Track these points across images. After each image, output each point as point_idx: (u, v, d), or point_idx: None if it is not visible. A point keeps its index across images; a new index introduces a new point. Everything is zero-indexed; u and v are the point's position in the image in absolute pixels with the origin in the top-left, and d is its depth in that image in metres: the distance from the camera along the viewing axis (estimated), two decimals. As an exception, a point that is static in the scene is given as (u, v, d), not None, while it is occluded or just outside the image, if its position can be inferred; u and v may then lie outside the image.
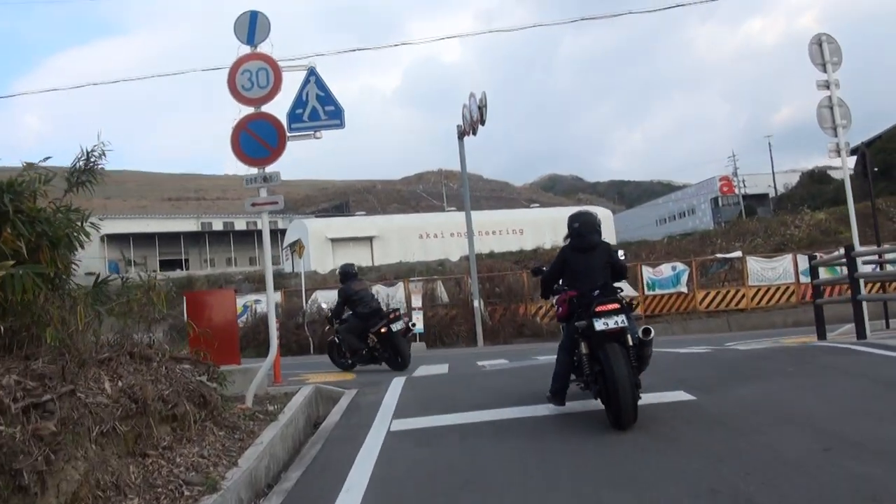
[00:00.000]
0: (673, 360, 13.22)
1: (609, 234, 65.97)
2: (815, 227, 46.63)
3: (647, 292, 32.32)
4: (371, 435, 8.24)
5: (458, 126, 30.77)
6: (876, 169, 31.76)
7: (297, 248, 33.33)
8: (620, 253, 13.17)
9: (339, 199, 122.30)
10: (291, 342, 28.69)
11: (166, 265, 74.53)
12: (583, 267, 8.70)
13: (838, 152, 16.08)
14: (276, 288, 33.78)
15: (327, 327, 19.61)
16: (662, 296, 32.72)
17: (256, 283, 47.63)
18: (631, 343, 7.85)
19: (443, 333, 29.06)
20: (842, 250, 15.77)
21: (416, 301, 29.09)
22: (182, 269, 70.92)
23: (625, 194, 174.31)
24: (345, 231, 65.39)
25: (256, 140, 10.75)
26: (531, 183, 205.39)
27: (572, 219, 9.10)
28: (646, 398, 8.14)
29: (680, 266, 33.35)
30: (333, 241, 62.92)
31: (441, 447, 7.56)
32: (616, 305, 7.93)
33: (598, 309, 7.89)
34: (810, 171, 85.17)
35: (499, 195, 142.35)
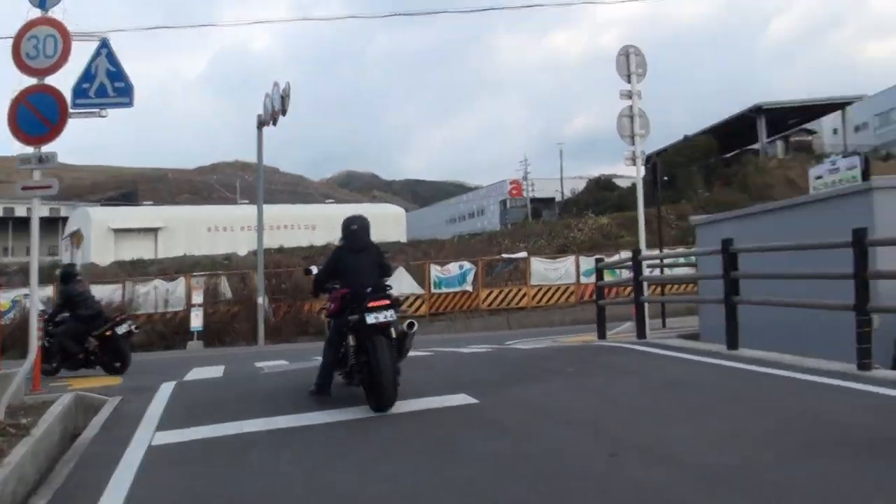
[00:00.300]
0: (456, 361, 13.00)
1: (401, 233, 66.24)
2: (598, 230, 47.86)
3: (433, 290, 32.55)
4: (131, 450, 7.38)
5: (258, 115, 29.69)
6: (666, 178, 33.01)
7: (75, 238, 31.37)
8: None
9: (128, 188, 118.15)
10: None
11: None
12: (356, 266, 9.41)
13: (633, 160, 16.34)
14: (49, 281, 31.47)
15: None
16: (448, 294, 33.04)
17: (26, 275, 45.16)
18: (394, 335, 8.64)
19: (222, 332, 27.81)
20: (629, 253, 16.00)
21: (198, 297, 27.65)
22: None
23: (419, 193, 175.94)
24: (129, 221, 62.60)
25: (35, 115, 9.59)
26: (328, 178, 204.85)
27: (349, 221, 9.72)
28: (427, 402, 8.35)
29: (467, 265, 33.84)
30: (117, 231, 60.01)
31: (207, 463, 6.84)
32: (387, 301, 8.65)
33: (371, 304, 8.55)
34: (597, 178, 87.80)
35: (294, 189, 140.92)
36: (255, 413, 8.67)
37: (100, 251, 55.62)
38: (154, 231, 61.84)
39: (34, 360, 10.11)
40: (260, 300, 28.16)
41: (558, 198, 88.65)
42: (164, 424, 8.50)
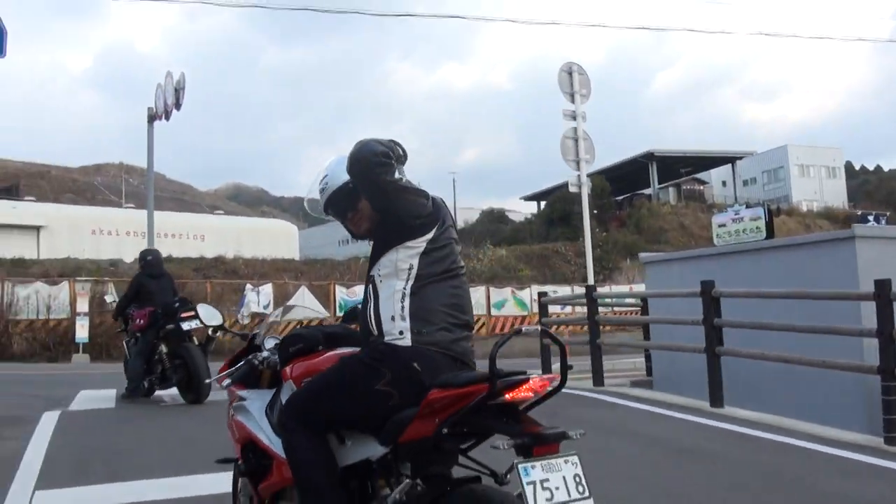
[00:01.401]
0: None
1: (294, 250, 64.86)
2: (497, 262, 47.41)
3: (338, 313, 30.69)
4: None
5: (148, 108, 27.17)
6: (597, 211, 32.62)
7: None
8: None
9: (9, 182, 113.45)
10: None
11: None
12: (158, 288, 12.11)
13: (579, 187, 15.27)
14: None
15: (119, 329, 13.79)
16: None
17: None
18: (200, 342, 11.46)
19: (111, 345, 24.69)
20: (578, 289, 15.08)
21: (83, 305, 25.05)
22: None
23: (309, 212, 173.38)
24: (10, 217, 59.12)
25: None
26: (216, 189, 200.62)
27: (146, 253, 13.03)
28: None
29: None
30: (-4, 227, 56.89)
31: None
32: (193, 313, 11.16)
33: (184, 315, 11.36)
34: (489, 210, 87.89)
35: (181, 198, 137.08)
36: (158, 466, 7.10)
37: (-25, 246, 52.77)
38: (36, 229, 58.70)
39: None
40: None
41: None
42: (45, 478, 6.69)
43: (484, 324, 33.31)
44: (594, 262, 45.48)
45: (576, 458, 3.00)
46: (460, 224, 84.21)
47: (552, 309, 20.73)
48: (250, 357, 4.18)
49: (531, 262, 47.99)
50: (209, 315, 10.28)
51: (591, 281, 14.96)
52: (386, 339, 3.41)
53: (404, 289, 3.43)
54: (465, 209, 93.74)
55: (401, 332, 3.38)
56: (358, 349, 3.60)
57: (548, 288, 35.43)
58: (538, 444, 2.97)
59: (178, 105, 25.61)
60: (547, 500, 2.84)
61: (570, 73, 15.41)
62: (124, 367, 12.59)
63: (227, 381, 4.35)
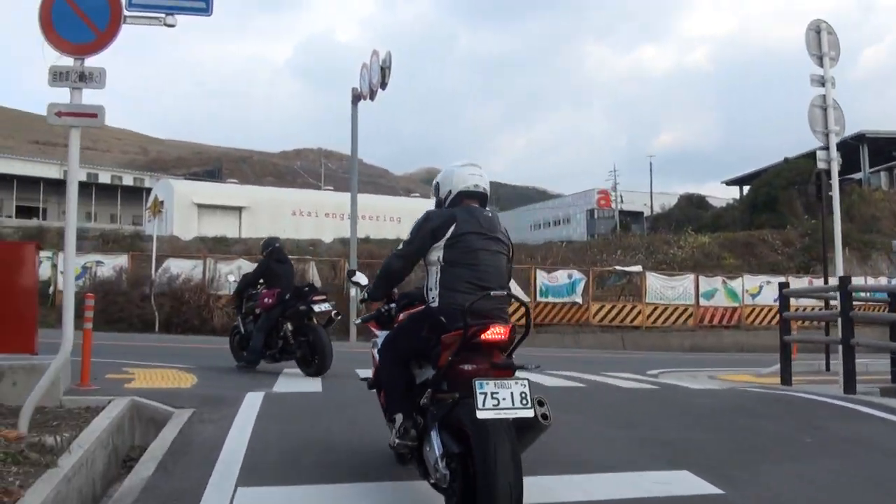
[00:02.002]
0: (626, 402, 10.28)
1: (486, 234, 63.99)
2: (699, 249, 45.06)
3: (538, 298, 29.86)
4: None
5: (353, 89, 27.14)
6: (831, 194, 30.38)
7: (152, 206, 29.15)
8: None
9: (212, 165, 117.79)
10: (134, 317, 24.82)
11: (23, 212, 71.18)
12: (284, 272, 13.23)
13: (828, 162, 13.42)
14: (127, 250, 29.63)
15: (235, 307, 14.80)
16: (555, 304, 30.31)
17: (112, 243, 43.82)
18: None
19: None
20: (832, 280, 13.37)
21: None
22: (39, 219, 66.37)
23: (500, 196, 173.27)
24: (213, 198, 61.31)
25: (78, 15, 6.88)
26: (410, 174, 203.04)
27: (273, 240, 14.10)
28: (630, 482, 5.85)
29: (577, 274, 31.09)
30: (200, 206, 58.98)
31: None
32: (324, 297, 12.81)
33: (315, 298, 12.62)
34: (688, 195, 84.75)
35: (377, 181, 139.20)
36: (380, 466, 6.03)
37: (182, 225, 54.45)
38: (238, 210, 60.30)
39: (69, 349, 7.10)
40: (353, 292, 25.05)
41: (646, 212, 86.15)
42: (249, 473, 5.80)
43: (691, 314, 31.61)
44: (803, 251, 43.23)
45: (525, 382, 4.57)
46: (657, 209, 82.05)
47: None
48: (381, 308, 6.16)
49: (735, 250, 45.37)
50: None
51: (840, 272, 13.05)
52: (428, 302, 5.29)
53: (437, 270, 5.26)
54: (661, 194, 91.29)
55: (433, 298, 5.23)
56: None
57: (760, 278, 33.51)
58: (496, 369, 4.73)
59: (383, 84, 25.09)
60: (494, 405, 4.41)
61: (818, 32, 13.31)
62: (231, 341, 14.10)
63: (359, 320, 6.78)
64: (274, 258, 13.36)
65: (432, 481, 4.90)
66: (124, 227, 59.62)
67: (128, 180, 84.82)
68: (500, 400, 4.42)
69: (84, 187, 76.06)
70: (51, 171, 79.34)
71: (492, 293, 4.93)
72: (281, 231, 54.22)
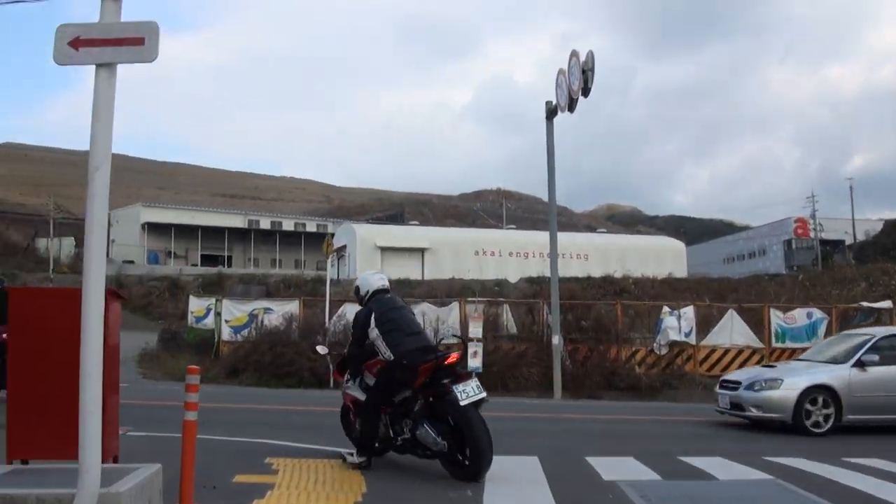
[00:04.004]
0: None
1: (682, 268, 61.32)
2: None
3: (774, 343, 25.14)
4: None
5: (546, 103, 23.33)
6: None
7: (325, 245, 26.90)
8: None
9: (394, 210, 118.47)
10: (305, 370, 22.20)
11: (208, 260, 72.65)
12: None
13: None
14: (308, 295, 27.85)
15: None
16: (794, 349, 24.09)
17: (293, 289, 43.01)
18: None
19: (507, 375, 21.77)
20: None
21: (475, 328, 21.95)
22: (225, 266, 67.52)
23: (687, 230, 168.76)
24: (395, 240, 60.82)
25: None
26: (590, 210, 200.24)
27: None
28: None
29: (817, 314, 26.13)
30: (383, 249, 58.70)
31: None
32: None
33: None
34: (894, 221, 78.95)
35: (557, 219, 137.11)
36: None
37: (365, 268, 53.67)
38: (420, 251, 59.61)
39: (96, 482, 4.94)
40: (555, 340, 22.07)
41: (848, 240, 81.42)
42: None
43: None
44: None
45: (475, 379, 8.35)
46: (860, 236, 77.00)
47: None
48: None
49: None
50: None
51: None
52: (386, 358, 8.68)
53: (381, 340, 8.73)
54: (863, 220, 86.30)
55: (388, 355, 8.63)
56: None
57: None
58: (460, 379, 8.31)
59: (585, 90, 21.06)
60: (465, 394, 8.07)
61: None
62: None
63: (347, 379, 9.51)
64: None
65: (428, 454, 8.39)
66: (306, 273, 59.55)
67: (311, 227, 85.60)
68: (468, 393, 8.08)
69: (268, 235, 77.85)
70: (234, 221, 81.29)
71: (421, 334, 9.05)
72: (465, 271, 53.15)
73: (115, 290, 7.31)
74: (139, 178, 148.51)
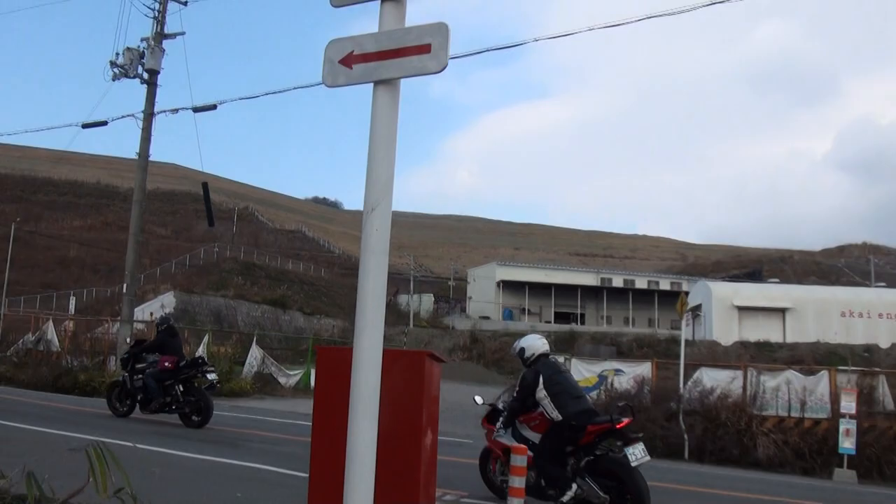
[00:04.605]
0: None
1: None
2: None
3: None
4: None
5: None
6: None
7: (679, 304, 25.14)
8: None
9: (751, 267, 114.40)
10: (657, 439, 19.54)
11: (561, 317, 73.34)
12: (176, 344, 17.19)
13: None
14: (660, 356, 26.57)
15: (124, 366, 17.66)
16: None
17: (646, 349, 41.96)
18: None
19: (884, 460, 18.50)
20: None
21: (847, 402, 18.66)
22: (577, 324, 67.88)
23: None
24: (753, 299, 57.90)
25: None
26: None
27: (167, 318, 18.41)
28: None
29: None
30: (740, 309, 56.08)
31: None
32: (213, 368, 17.44)
33: (207, 369, 16.73)
34: None
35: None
36: None
37: (721, 329, 52.40)
38: (781, 311, 56.34)
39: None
40: None
41: None
42: None
43: None
44: None
45: (641, 443, 8.68)
46: None
47: None
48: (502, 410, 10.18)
49: None
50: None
51: None
52: (553, 419, 9.13)
53: (548, 400, 9.20)
54: None
55: (556, 416, 9.05)
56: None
57: None
58: (631, 442, 8.64)
59: None
60: (635, 456, 8.52)
61: None
62: (109, 395, 17.50)
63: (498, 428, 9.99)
64: (168, 333, 17.02)
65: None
66: (659, 332, 58.33)
67: (664, 284, 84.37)
68: (637, 455, 8.61)
69: (621, 293, 77.65)
70: (587, 279, 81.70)
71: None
72: (830, 334, 49.90)
73: (434, 354, 7.52)
74: (496, 238, 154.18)
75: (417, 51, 4.46)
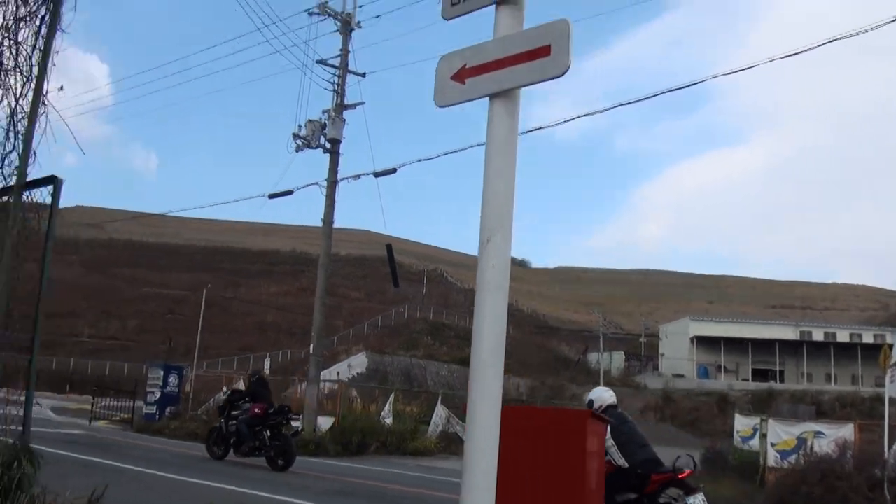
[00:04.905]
0: None
1: None
2: None
3: None
4: None
5: None
6: None
7: (881, 358, 22.70)
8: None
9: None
10: None
11: (759, 375, 70.79)
12: (266, 393, 19.04)
13: None
14: (856, 416, 24.83)
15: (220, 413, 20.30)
16: None
17: (849, 408, 39.85)
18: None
19: None
20: None
21: None
22: (776, 381, 65.23)
23: None
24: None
25: None
26: None
27: (256, 371, 21.45)
28: None
29: None
30: (952, 362, 51.86)
31: None
32: (299, 416, 20.88)
33: (292, 416, 18.64)
34: None
35: None
36: None
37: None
38: None
39: None
40: None
41: None
42: None
43: None
44: None
45: (701, 494, 9.38)
46: None
47: None
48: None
49: None
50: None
51: None
52: (619, 465, 9.58)
53: (615, 449, 9.58)
54: None
55: (623, 463, 9.57)
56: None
57: None
58: (692, 492, 9.30)
59: None
60: None
61: None
62: (208, 440, 19.09)
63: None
64: (259, 385, 18.87)
65: None
66: (863, 390, 55.25)
67: (867, 337, 79.91)
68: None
69: (821, 347, 74.08)
70: (785, 333, 78.33)
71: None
72: None
73: (598, 414, 9.00)
74: (688, 292, 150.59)
75: (534, 55, 3.97)
